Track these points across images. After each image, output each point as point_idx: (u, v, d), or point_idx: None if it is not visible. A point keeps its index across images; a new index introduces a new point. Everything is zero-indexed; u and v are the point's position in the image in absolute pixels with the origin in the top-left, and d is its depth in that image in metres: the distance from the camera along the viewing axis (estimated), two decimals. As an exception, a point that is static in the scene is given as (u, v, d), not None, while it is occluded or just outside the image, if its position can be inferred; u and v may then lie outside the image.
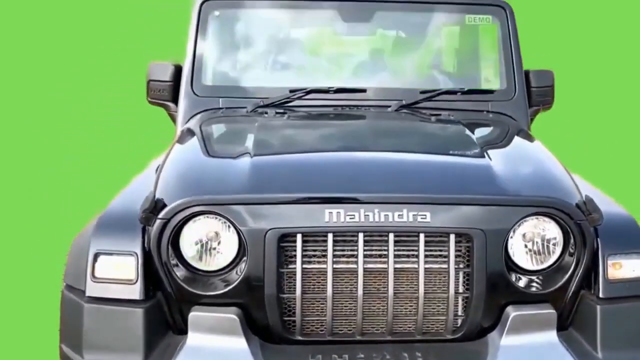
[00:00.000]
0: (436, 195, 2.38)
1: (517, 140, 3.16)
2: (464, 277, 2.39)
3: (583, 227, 2.39)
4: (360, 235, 2.32)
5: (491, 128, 3.39)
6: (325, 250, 2.33)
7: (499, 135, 3.27)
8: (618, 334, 2.40)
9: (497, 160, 2.65)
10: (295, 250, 2.33)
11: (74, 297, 2.40)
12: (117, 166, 4.76)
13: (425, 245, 2.34)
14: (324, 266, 2.34)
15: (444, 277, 2.37)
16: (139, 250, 2.34)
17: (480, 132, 3.18)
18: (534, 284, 2.43)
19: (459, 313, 2.42)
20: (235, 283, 2.34)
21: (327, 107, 3.39)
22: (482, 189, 2.47)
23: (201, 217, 2.36)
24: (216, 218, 2.35)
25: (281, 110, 3.34)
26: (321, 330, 2.40)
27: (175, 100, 3.50)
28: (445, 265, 2.36)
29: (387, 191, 2.39)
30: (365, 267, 2.33)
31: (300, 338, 2.39)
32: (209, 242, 2.37)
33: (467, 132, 3.01)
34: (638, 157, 5.51)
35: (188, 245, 2.38)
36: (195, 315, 2.33)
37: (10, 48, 5.75)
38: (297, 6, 3.65)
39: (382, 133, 3.06)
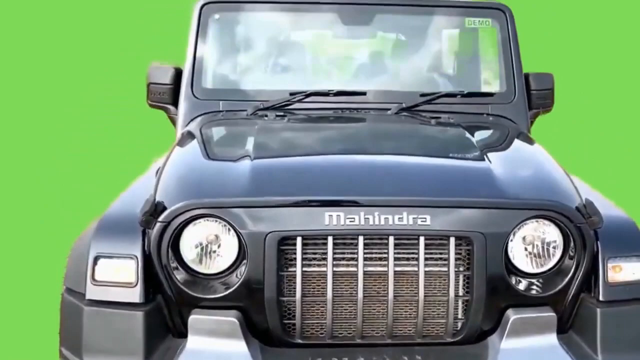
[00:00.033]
0: (436, 198, 2.39)
1: (517, 143, 3.16)
2: (464, 280, 2.39)
3: (583, 230, 2.40)
4: (360, 238, 2.32)
5: (491, 131, 3.39)
6: (325, 253, 2.33)
7: (498, 138, 3.27)
8: (618, 337, 2.40)
9: (497, 163, 2.65)
10: (295, 253, 2.33)
11: (74, 300, 2.40)
12: (117, 169, 4.76)
13: (425, 248, 2.34)
14: (324, 269, 2.34)
15: (444, 280, 2.37)
16: (139, 253, 2.34)
17: (480, 135, 3.18)
18: (534, 287, 2.43)
19: (459, 316, 2.42)
20: (235, 286, 2.34)
21: (327, 110, 3.39)
22: (482, 192, 2.47)
23: (201, 220, 2.36)
24: (216, 221, 2.35)
25: (281, 113, 3.34)
26: (321, 334, 2.40)
27: (175, 103, 3.50)
28: (445, 268, 2.36)
29: (387, 194, 2.39)
30: (365, 270, 2.33)
31: (300, 341, 2.39)
32: (209, 245, 2.37)
33: (467, 135, 3.01)
34: (638, 160, 5.51)
35: (188, 248, 2.38)
36: (195, 318, 2.33)
37: (11, 50, 5.76)
38: (297, 9, 3.65)
39: (382, 136, 3.07)
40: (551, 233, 2.42)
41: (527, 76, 3.61)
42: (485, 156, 2.71)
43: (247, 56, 3.71)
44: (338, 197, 2.37)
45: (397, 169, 2.66)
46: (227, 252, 2.37)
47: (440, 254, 2.37)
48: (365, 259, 2.33)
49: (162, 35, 5.43)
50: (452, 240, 2.34)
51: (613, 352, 2.38)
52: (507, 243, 2.38)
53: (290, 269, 2.35)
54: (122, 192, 2.79)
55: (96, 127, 5.65)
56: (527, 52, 3.68)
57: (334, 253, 2.33)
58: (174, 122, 3.55)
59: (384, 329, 2.40)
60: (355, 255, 2.34)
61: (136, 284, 2.33)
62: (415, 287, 2.36)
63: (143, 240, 2.37)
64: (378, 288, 2.37)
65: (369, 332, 2.41)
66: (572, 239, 2.41)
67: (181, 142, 3.08)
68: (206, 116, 3.39)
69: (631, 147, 5.74)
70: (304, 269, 2.34)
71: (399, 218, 2.32)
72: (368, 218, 2.32)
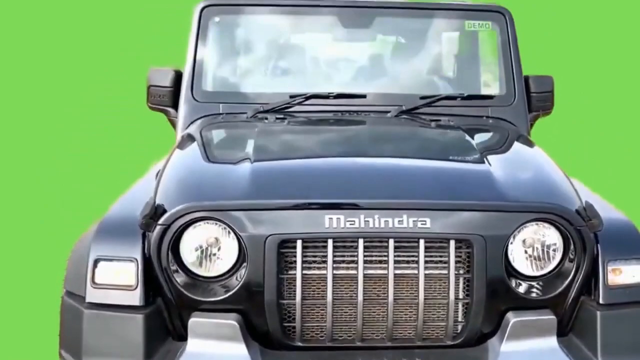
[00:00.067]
0: (436, 201, 2.39)
1: (517, 145, 3.16)
2: (464, 283, 2.39)
3: (583, 233, 2.40)
4: (360, 241, 2.32)
5: (491, 134, 3.39)
6: (325, 256, 2.32)
7: (498, 141, 3.27)
8: (618, 339, 2.40)
9: (496, 166, 2.65)
10: (295, 256, 2.33)
11: (74, 303, 2.40)
12: (118, 171, 4.75)
13: (425, 251, 2.34)
14: (324, 272, 2.33)
15: (444, 283, 2.37)
16: (139, 256, 2.34)
17: (480, 137, 3.18)
18: (534, 290, 2.43)
19: (459, 319, 2.42)
20: (235, 289, 2.34)
21: (327, 113, 3.39)
22: (482, 194, 2.47)
23: (201, 223, 2.36)
24: (216, 224, 2.35)
25: (281, 116, 3.34)
26: (321, 337, 2.40)
27: (175, 105, 3.51)
28: (445, 271, 2.36)
29: (387, 197, 2.39)
30: (365, 273, 2.33)
31: (300, 344, 2.39)
32: (209, 248, 2.37)
33: (467, 137, 3.01)
34: (637, 163, 5.51)
35: (188, 251, 2.38)
36: (195, 321, 2.33)
37: (12, 53, 5.76)
38: (297, 12, 3.66)
39: (382, 139, 3.07)
40: (551, 236, 2.42)
41: (527, 79, 3.62)
42: (485, 159, 2.71)
43: (247, 59, 3.72)
44: (338, 200, 2.37)
45: (397, 171, 2.66)
46: (227, 254, 2.37)
47: (440, 256, 2.37)
48: (365, 261, 2.33)
49: (162, 38, 5.44)
50: (452, 243, 2.34)
51: (613, 355, 2.38)
52: (507, 246, 2.38)
53: (290, 272, 2.35)
54: (122, 195, 2.79)
55: (96, 130, 5.65)
56: (526, 54, 3.68)
57: (334, 256, 2.33)
58: (174, 124, 3.55)
59: (384, 332, 2.40)
60: (355, 258, 2.34)
61: (136, 287, 2.33)
62: (415, 290, 2.36)
63: (143, 243, 2.36)
64: (378, 291, 2.37)
65: (369, 334, 2.41)
66: (572, 242, 2.41)
67: (181, 145, 3.08)
68: (206, 119, 3.39)
69: (631, 149, 5.74)
70: (304, 271, 2.34)
71: (399, 221, 2.32)
72: (368, 221, 2.32)
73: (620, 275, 2.44)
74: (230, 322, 2.31)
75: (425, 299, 2.35)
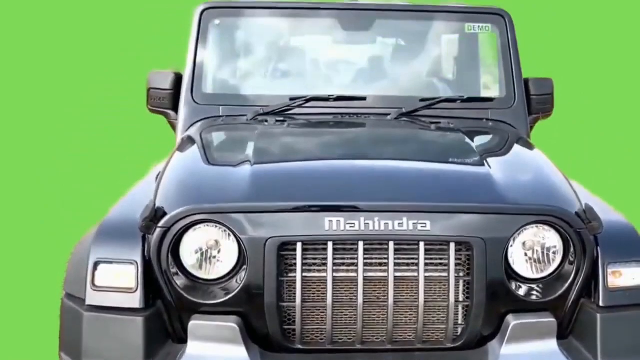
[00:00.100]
0: (436, 203, 2.39)
1: (517, 148, 3.16)
2: (464, 286, 2.39)
3: (583, 236, 2.40)
4: (360, 243, 2.32)
5: (491, 136, 3.39)
6: (325, 259, 2.32)
7: (498, 143, 3.27)
8: (618, 342, 2.40)
9: (496, 168, 2.65)
10: (295, 259, 2.33)
11: (74, 305, 2.40)
12: (117, 174, 4.75)
13: (426, 254, 2.34)
14: (324, 275, 2.33)
15: (444, 285, 2.37)
16: (139, 259, 2.34)
17: (480, 140, 3.18)
18: (534, 293, 2.43)
19: (459, 322, 2.41)
20: (235, 292, 2.34)
21: (327, 115, 3.39)
22: (482, 197, 2.47)
23: (201, 225, 2.36)
24: (216, 226, 2.35)
25: (281, 118, 3.34)
26: (321, 339, 2.40)
27: (175, 108, 3.51)
28: (445, 274, 2.36)
29: (387, 199, 2.39)
30: (365, 275, 2.33)
31: (300, 347, 2.38)
32: (209, 251, 2.37)
33: (467, 140, 3.01)
34: (637, 165, 5.51)
35: (188, 253, 2.38)
36: (195, 324, 2.33)
37: (13, 55, 5.77)
38: (297, 14, 3.66)
39: (382, 141, 3.07)
40: (551, 238, 2.42)
41: (526, 81, 3.62)
42: (485, 161, 2.71)
43: (247, 61, 3.72)
44: (338, 203, 2.37)
45: (397, 174, 2.66)
46: (227, 257, 2.37)
47: (440, 259, 2.37)
48: (365, 264, 2.33)
49: (162, 40, 5.45)
50: (452, 245, 2.34)
51: (613, 358, 2.38)
52: (507, 248, 2.38)
53: (290, 275, 2.35)
54: (122, 197, 2.79)
55: (97, 132, 5.66)
56: (526, 57, 3.68)
57: (334, 258, 2.33)
58: (174, 127, 3.55)
59: (384, 335, 2.40)
60: (355, 261, 2.34)
61: (136, 290, 2.33)
62: (415, 293, 2.35)
63: (143, 245, 2.36)
64: (378, 294, 2.37)
65: (369, 337, 2.41)
66: (572, 245, 2.41)
67: (181, 147, 3.08)
68: (206, 121, 3.39)
69: (631, 151, 5.75)
70: (304, 274, 2.34)
71: (399, 223, 2.32)
72: (368, 223, 2.32)
73: (620, 278, 2.44)
74: (230, 324, 2.31)
75: (425, 301, 2.35)
